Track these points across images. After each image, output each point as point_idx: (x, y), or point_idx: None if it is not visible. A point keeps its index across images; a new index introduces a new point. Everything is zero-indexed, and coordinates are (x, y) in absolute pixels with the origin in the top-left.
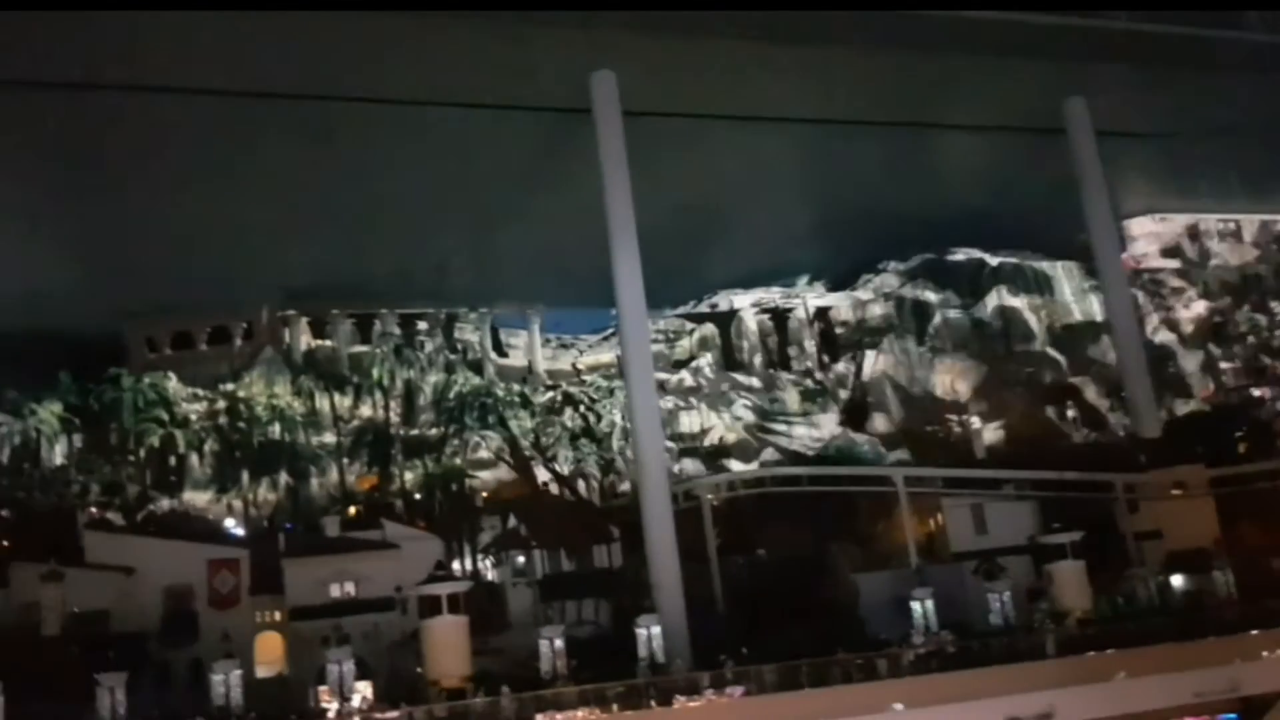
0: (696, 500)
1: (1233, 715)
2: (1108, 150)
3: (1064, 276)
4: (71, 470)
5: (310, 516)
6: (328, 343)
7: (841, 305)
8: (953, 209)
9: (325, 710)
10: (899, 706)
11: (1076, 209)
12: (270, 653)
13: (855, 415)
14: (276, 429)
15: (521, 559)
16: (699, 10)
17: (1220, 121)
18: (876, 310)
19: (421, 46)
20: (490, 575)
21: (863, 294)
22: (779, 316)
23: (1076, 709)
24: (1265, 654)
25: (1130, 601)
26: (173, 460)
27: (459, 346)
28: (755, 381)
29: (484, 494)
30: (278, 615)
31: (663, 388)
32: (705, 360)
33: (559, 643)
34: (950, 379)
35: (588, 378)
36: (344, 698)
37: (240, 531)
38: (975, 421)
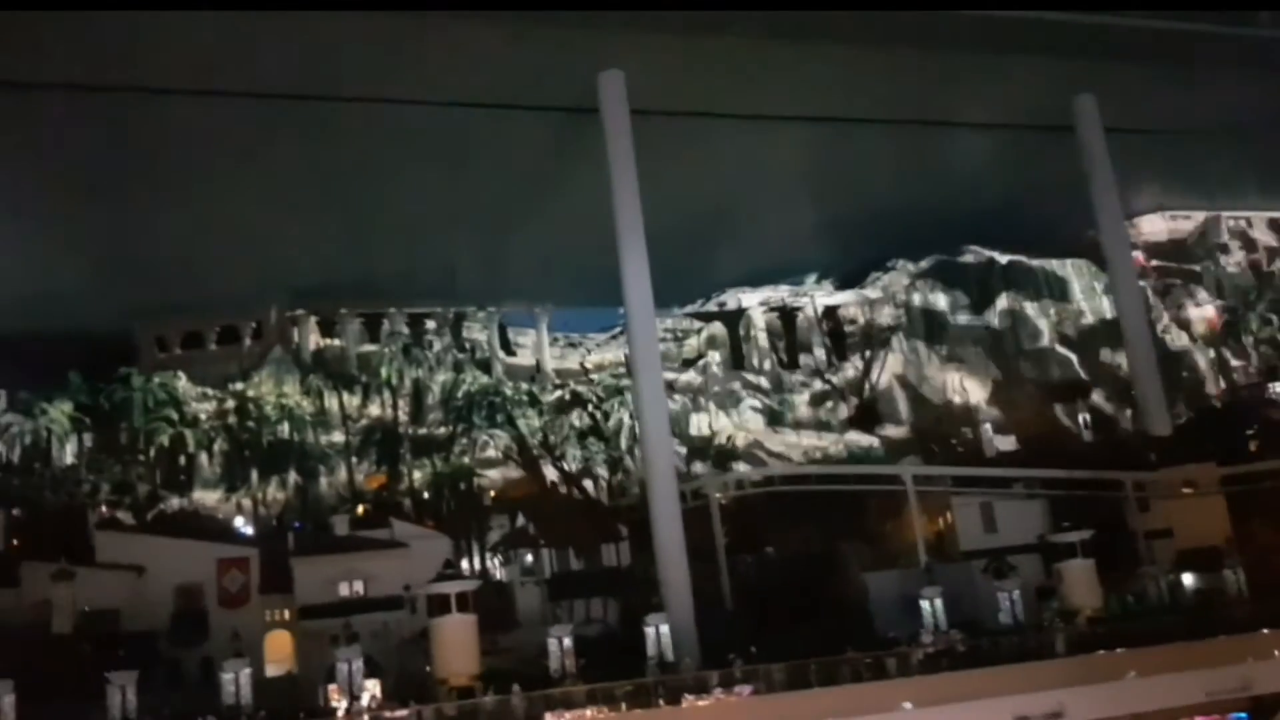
0: (705, 499)
1: (1244, 715)
2: (1117, 147)
3: (1074, 275)
4: (82, 469)
5: (319, 515)
6: (336, 342)
7: (850, 304)
8: (962, 207)
9: (335, 708)
10: (908, 705)
11: (1086, 206)
12: (280, 651)
13: (865, 415)
14: (285, 428)
15: (530, 558)
16: (706, 10)
17: (1231, 119)
18: (885, 309)
19: (429, 46)
20: (499, 574)
21: (871, 292)
22: (787, 315)
23: (1086, 708)
24: (1277, 653)
25: (1140, 600)
26: (182, 459)
27: (467, 345)
28: (764, 381)
29: (492, 493)
30: (287, 614)
31: (671, 387)
32: (714, 358)
33: (567, 641)
34: (959, 378)
35: (596, 376)
36: (353, 696)
37: (250, 530)
38: (984, 420)
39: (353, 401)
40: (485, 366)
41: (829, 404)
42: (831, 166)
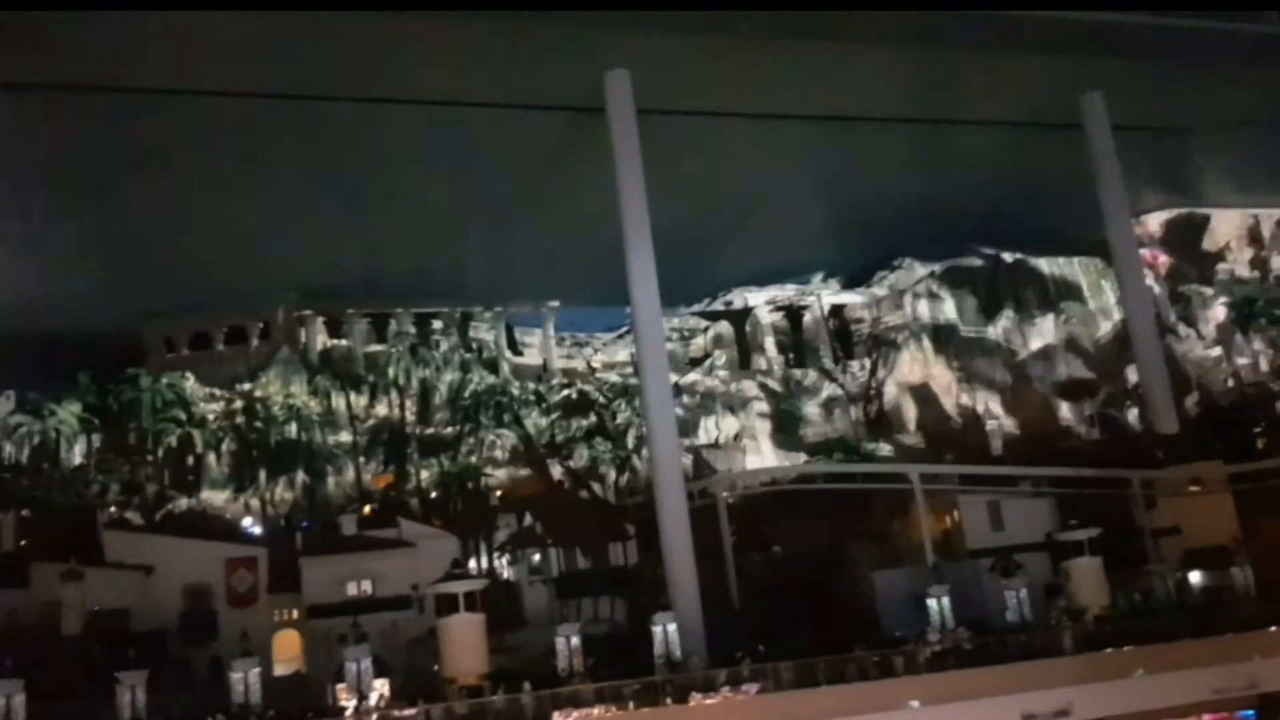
0: (712, 498)
1: (1251, 712)
2: (1125, 145)
3: (1080, 272)
4: (90, 470)
5: (327, 515)
6: (343, 342)
7: (857, 303)
8: (968, 205)
9: (343, 708)
10: (915, 704)
11: (1094, 204)
12: (288, 651)
13: (871, 413)
14: (293, 428)
15: (537, 557)
16: (712, 9)
17: (1240, 116)
18: (891, 308)
19: (434, 46)
20: (506, 573)
21: (878, 291)
22: (794, 314)
23: (1094, 706)
24: None
25: (1148, 598)
26: (190, 460)
27: (474, 345)
28: (772, 382)
29: (499, 492)
30: (295, 613)
31: (677, 386)
32: (720, 358)
33: (575, 640)
34: (965, 376)
35: (602, 375)
36: (362, 695)
37: (258, 530)
38: (991, 419)
39: (360, 401)
40: (492, 366)
41: (837, 410)
42: (838, 165)
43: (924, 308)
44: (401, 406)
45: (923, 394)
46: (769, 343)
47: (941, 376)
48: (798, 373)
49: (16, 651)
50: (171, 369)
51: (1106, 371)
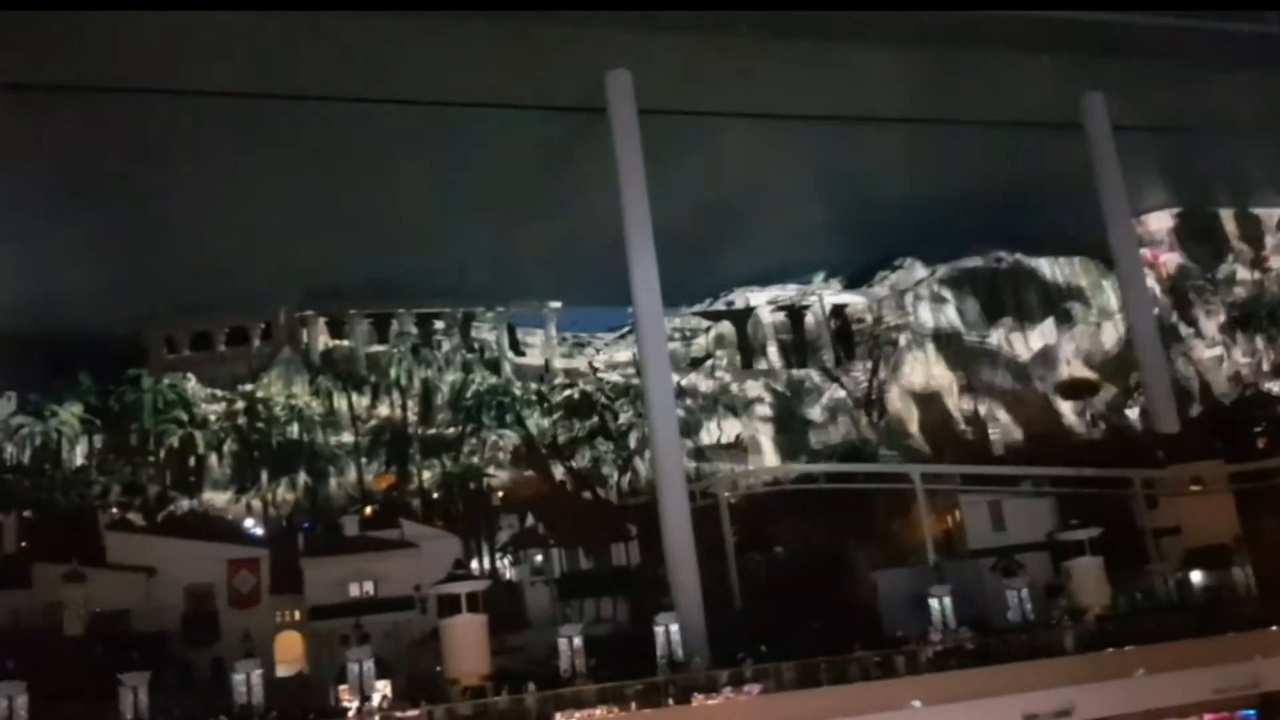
0: (714, 498)
1: (1252, 711)
2: (1126, 145)
3: (1081, 273)
4: (92, 471)
5: (329, 516)
6: (345, 343)
7: (858, 303)
8: (969, 205)
9: (345, 709)
10: (917, 703)
11: (1094, 204)
12: (290, 652)
13: (873, 414)
14: (295, 429)
15: (539, 557)
16: (714, 9)
17: (1241, 116)
18: (893, 307)
19: (435, 46)
20: (508, 574)
21: (880, 291)
22: (795, 314)
23: (1095, 705)
24: None
25: (1149, 598)
26: (192, 460)
27: (476, 345)
28: (773, 382)
29: (502, 493)
30: (297, 614)
31: (679, 386)
32: (721, 358)
33: (577, 641)
34: (967, 376)
35: (604, 376)
36: (364, 696)
37: (260, 531)
38: (992, 419)
39: (362, 402)
40: (494, 366)
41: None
42: (839, 165)
43: (925, 308)
44: (403, 407)
45: (924, 394)
46: (770, 343)
47: (943, 377)
48: (799, 373)
49: (19, 653)
50: (173, 369)
51: (1111, 374)
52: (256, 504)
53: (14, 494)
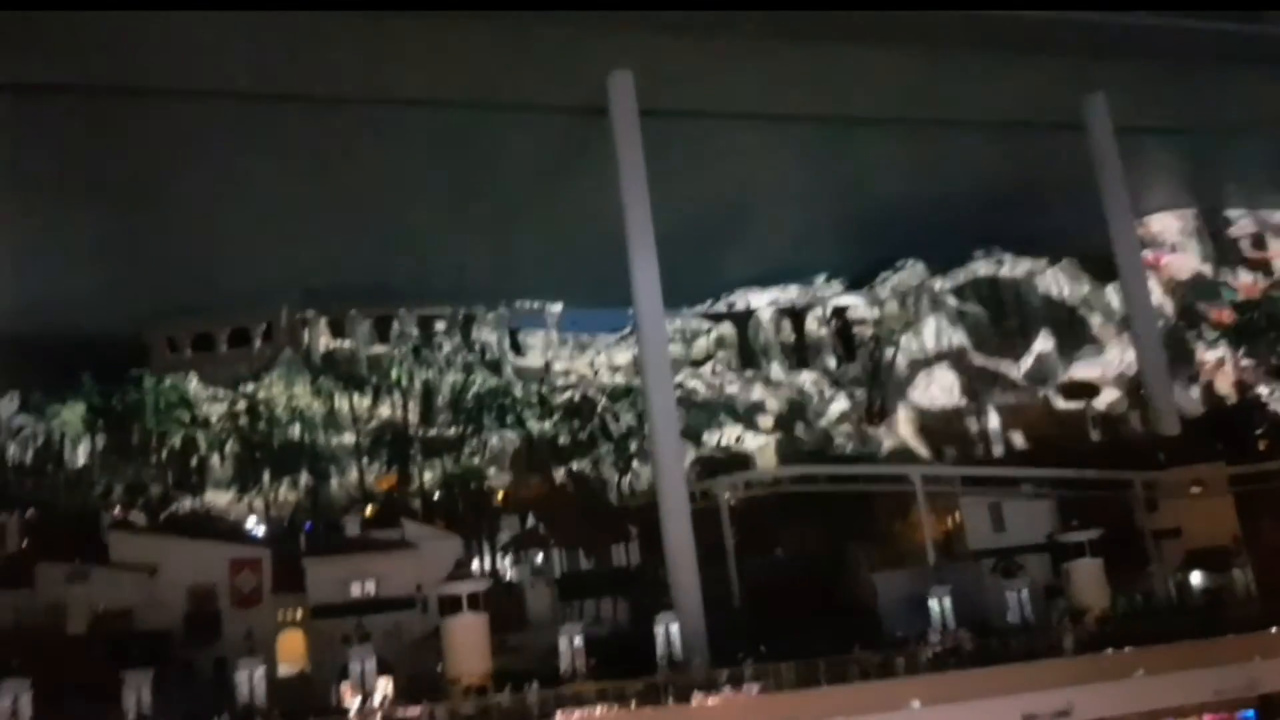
0: (714, 499)
1: (1251, 712)
2: (1128, 146)
3: (1080, 275)
4: (95, 471)
5: (330, 516)
6: (346, 343)
7: (859, 304)
8: (970, 206)
9: (347, 708)
10: (916, 704)
11: (1096, 205)
12: (292, 651)
13: (874, 414)
14: (296, 429)
15: (540, 558)
16: (716, 10)
17: (1242, 117)
18: (894, 309)
19: (437, 47)
20: (509, 574)
21: (881, 292)
22: (796, 315)
23: (1095, 706)
24: None
25: (1149, 599)
26: (194, 461)
27: (477, 346)
28: (774, 383)
29: (502, 493)
30: (299, 614)
31: (680, 388)
32: (722, 359)
33: (578, 640)
34: (966, 379)
35: (605, 377)
36: (365, 695)
37: (261, 531)
38: (992, 420)
39: (363, 403)
40: (495, 367)
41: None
42: (841, 166)
43: (926, 308)
44: (404, 408)
45: (926, 394)
46: (771, 344)
47: (943, 377)
48: (800, 374)
49: (22, 651)
50: (175, 370)
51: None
52: (258, 504)
53: (17, 493)
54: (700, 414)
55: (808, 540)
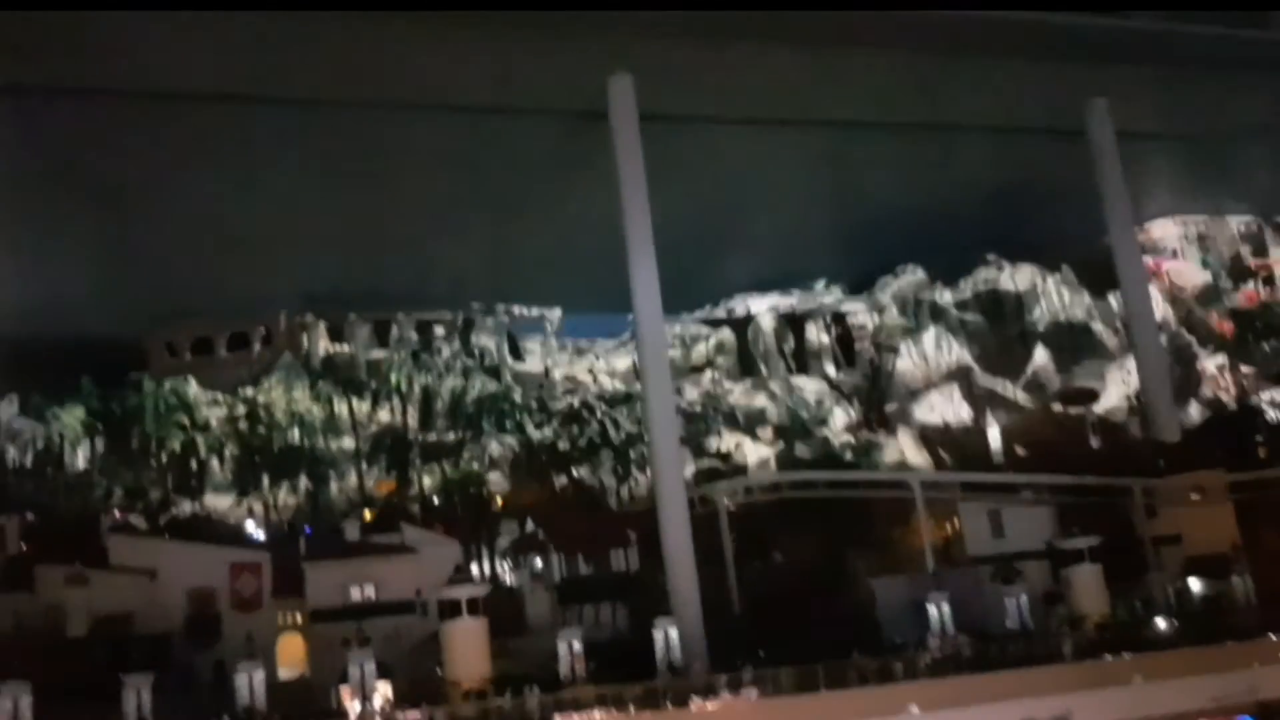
0: (713, 505)
1: (1248, 718)
2: (1130, 152)
3: (1078, 278)
4: (94, 474)
5: (330, 520)
6: (346, 348)
7: (859, 310)
8: (972, 211)
9: (347, 711)
10: (915, 709)
11: (1097, 211)
12: (292, 655)
13: (874, 419)
14: (296, 434)
15: (539, 563)
16: (716, 12)
17: (1245, 122)
18: (894, 314)
19: (438, 51)
20: (508, 579)
21: (882, 298)
22: (796, 321)
23: (1093, 712)
24: None
25: (1148, 606)
26: (194, 464)
27: (476, 351)
28: (773, 388)
29: (501, 498)
30: (299, 618)
31: (679, 393)
32: (721, 365)
33: (577, 645)
34: (967, 383)
35: (605, 382)
36: (365, 698)
37: (261, 535)
38: (991, 426)
39: (362, 407)
40: (494, 373)
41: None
42: (841, 171)
43: (925, 313)
44: (404, 413)
45: (925, 399)
46: (771, 350)
47: (944, 383)
48: (799, 379)
49: (22, 655)
50: (174, 374)
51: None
52: (258, 508)
53: (17, 496)
54: (699, 422)
55: (807, 546)
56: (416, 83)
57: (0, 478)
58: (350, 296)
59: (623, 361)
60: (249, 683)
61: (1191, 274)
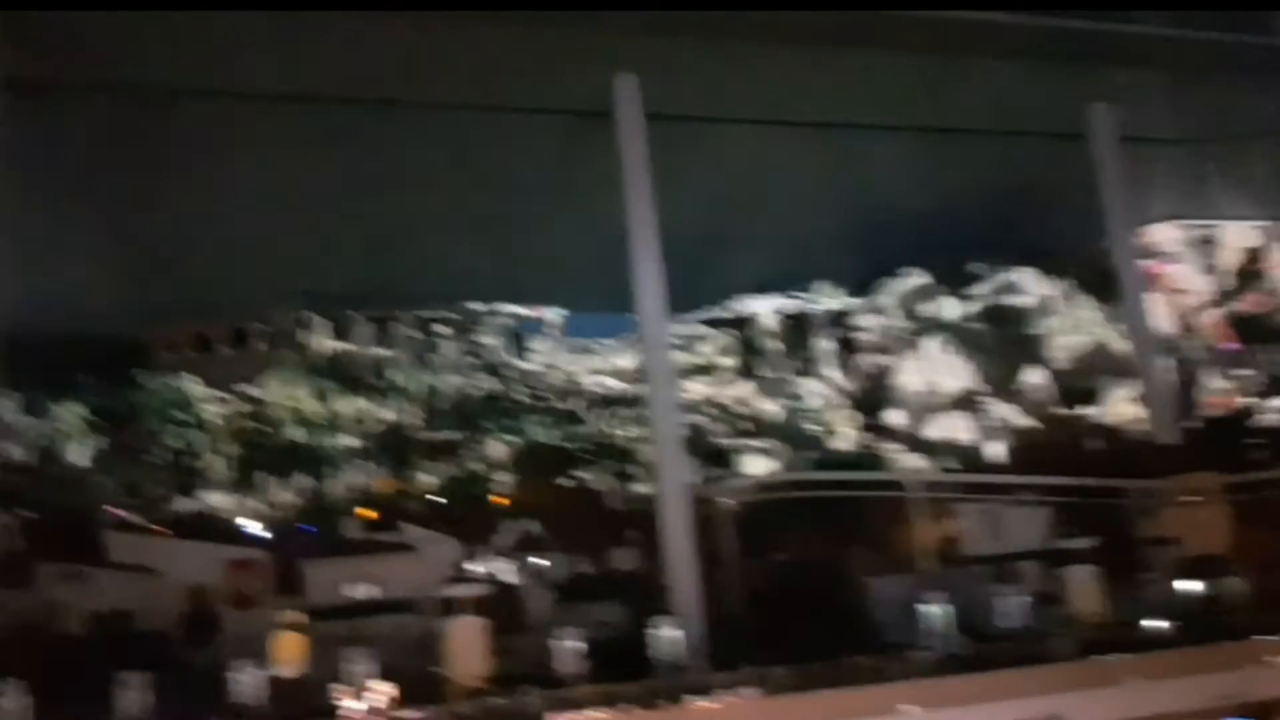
0: (713, 505)
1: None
2: (1131, 156)
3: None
4: (93, 471)
5: (329, 518)
6: (346, 345)
7: (861, 311)
8: (973, 215)
9: (345, 710)
10: (909, 709)
11: (1096, 216)
12: (291, 653)
13: (873, 420)
14: (296, 431)
15: (539, 561)
16: (722, 11)
17: (1248, 127)
18: (897, 316)
19: (438, 49)
20: (508, 577)
21: (883, 300)
22: (799, 322)
23: (1086, 713)
24: (1278, 659)
25: (1145, 607)
26: (193, 461)
27: (478, 350)
28: (774, 389)
29: (502, 497)
30: (298, 616)
31: (680, 394)
32: (724, 366)
33: (576, 644)
34: (967, 385)
35: (607, 381)
36: (363, 697)
37: (260, 532)
38: (987, 425)
39: (363, 405)
40: (495, 371)
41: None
42: (846, 172)
43: (926, 316)
44: (404, 410)
45: (927, 401)
46: (773, 351)
47: (945, 384)
48: (801, 380)
49: (18, 652)
50: (173, 370)
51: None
52: (257, 505)
53: (13, 493)
54: (700, 423)
55: (806, 545)
56: (416, 81)
57: None
58: (351, 294)
59: (625, 361)
60: (247, 681)
61: (1192, 278)
